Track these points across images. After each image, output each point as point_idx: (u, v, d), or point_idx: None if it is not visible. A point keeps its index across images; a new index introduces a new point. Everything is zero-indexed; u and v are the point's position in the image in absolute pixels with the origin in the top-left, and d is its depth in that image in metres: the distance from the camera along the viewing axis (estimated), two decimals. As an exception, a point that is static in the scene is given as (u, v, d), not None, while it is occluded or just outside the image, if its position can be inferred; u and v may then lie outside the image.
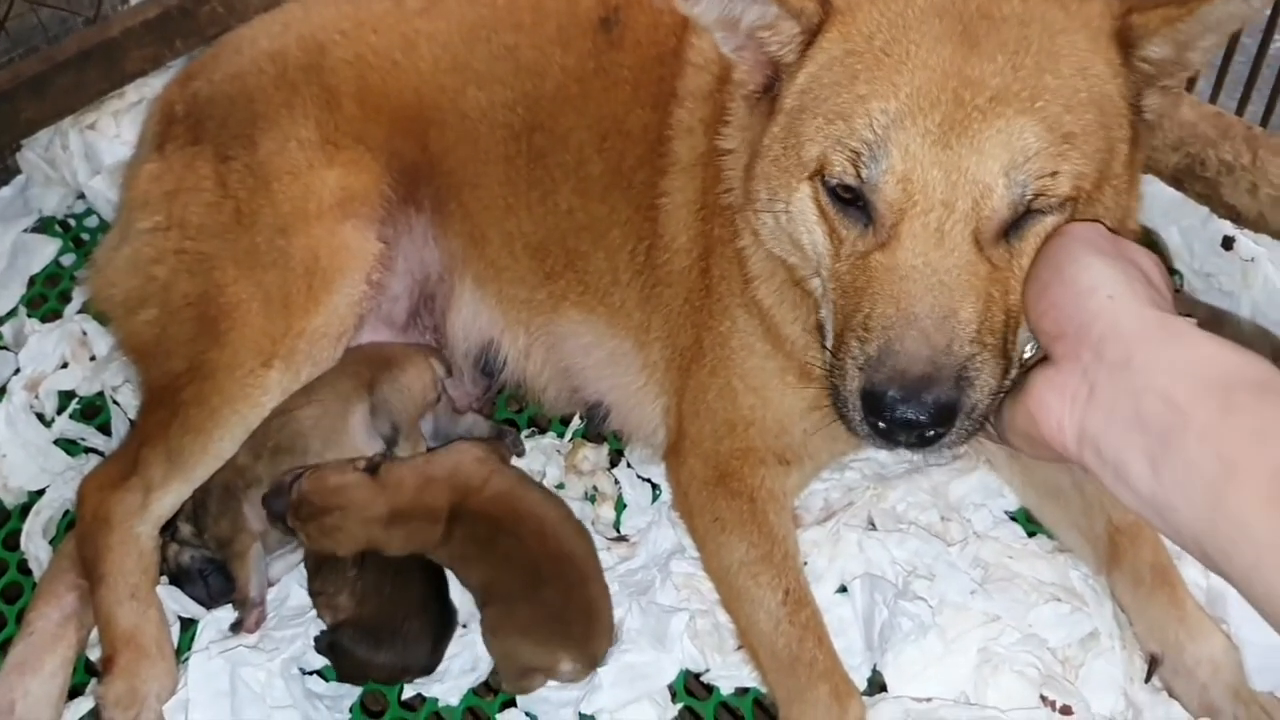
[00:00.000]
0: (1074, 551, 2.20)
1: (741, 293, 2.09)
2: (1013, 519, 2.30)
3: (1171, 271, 2.65)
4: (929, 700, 2.00)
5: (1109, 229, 1.58)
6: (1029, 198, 1.55)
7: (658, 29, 2.31)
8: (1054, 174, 1.55)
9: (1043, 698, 1.98)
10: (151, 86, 3.14)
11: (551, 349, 2.49)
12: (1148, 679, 2.03)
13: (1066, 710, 1.96)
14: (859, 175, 1.59)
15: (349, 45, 2.45)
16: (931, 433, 1.58)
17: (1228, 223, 2.63)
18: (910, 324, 1.55)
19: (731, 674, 2.15)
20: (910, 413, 1.55)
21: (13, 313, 2.96)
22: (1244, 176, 2.58)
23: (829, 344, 1.73)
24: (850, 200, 1.63)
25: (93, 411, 2.75)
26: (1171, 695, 2.01)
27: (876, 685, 2.10)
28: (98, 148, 3.12)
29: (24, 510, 2.54)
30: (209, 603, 2.31)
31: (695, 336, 2.22)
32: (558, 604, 2.12)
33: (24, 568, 2.47)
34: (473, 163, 2.41)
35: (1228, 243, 2.61)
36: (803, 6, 1.68)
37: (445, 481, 2.24)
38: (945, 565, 2.15)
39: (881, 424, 1.59)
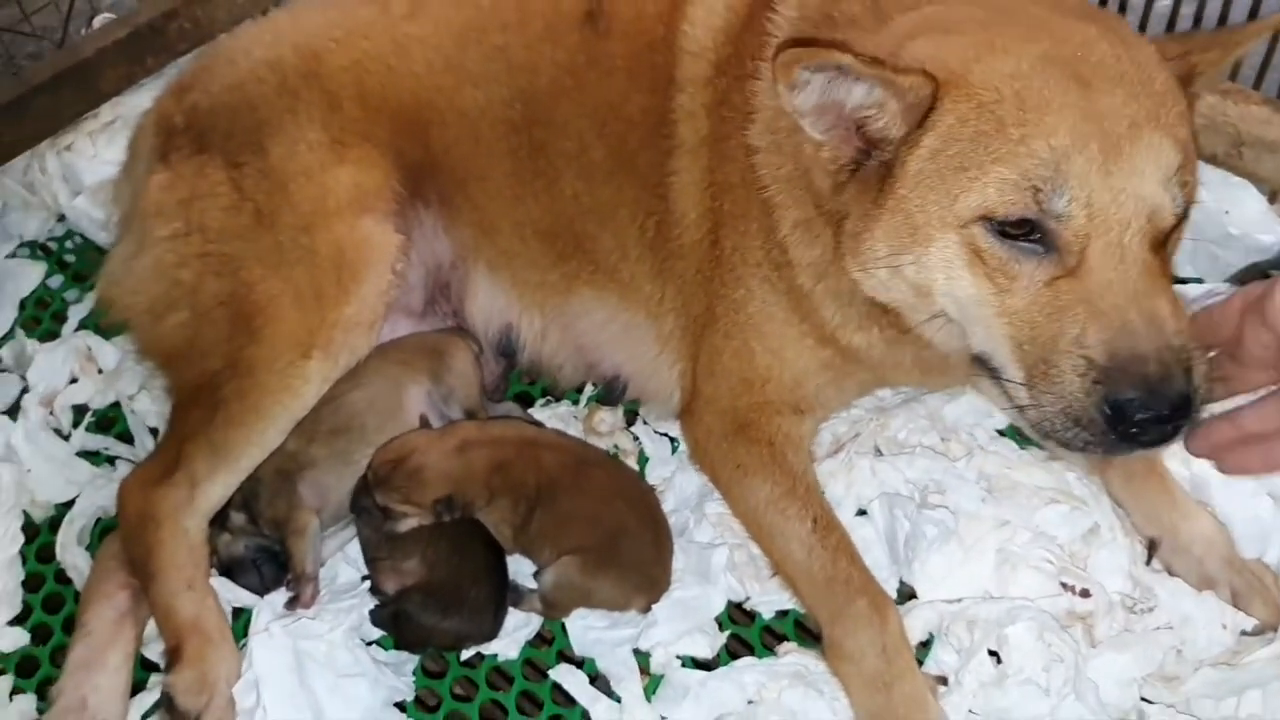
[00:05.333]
0: (1067, 459, 2.36)
1: (761, 266, 2.21)
2: (1003, 435, 2.47)
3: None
4: (959, 601, 2.17)
5: None
6: (1182, 205, 1.77)
7: (643, 19, 2.40)
8: (1186, 183, 1.78)
9: (1063, 584, 2.16)
10: (125, 105, 3.19)
11: (567, 329, 2.58)
12: (1149, 562, 2.23)
13: (1085, 593, 2.14)
14: (1040, 208, 1.74)
15: (344, 52, 2.52)
16: (1172, 426, 1.72)
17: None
18: (1130, 333, 1.69)
19: (771, 599, 2.28)
20: (1163, 409, 1.68)
21: (9, 335, 2.97)
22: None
23: (1013, 376, 1.83)
24: (1018, 235, 1.77)
25: (107, 423, 2.78)
26: (1171, 573, 2.21)
27: (905, 595, 2.25)
28: (76, 168, 3.14)
29: (52, 524, 2.57)
30: (262, 590, 2.35)
31: (708, 304, 2.33)
32: (649, 551, 2.27)
33: (61, 577, 2.50)
34: (476, 158, 2.49)
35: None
36: (912, 83, 1.79)
37: (507, 423, 2.39)
38: (954, 479, 2.31)
39: (1134, 429, 1.70)
